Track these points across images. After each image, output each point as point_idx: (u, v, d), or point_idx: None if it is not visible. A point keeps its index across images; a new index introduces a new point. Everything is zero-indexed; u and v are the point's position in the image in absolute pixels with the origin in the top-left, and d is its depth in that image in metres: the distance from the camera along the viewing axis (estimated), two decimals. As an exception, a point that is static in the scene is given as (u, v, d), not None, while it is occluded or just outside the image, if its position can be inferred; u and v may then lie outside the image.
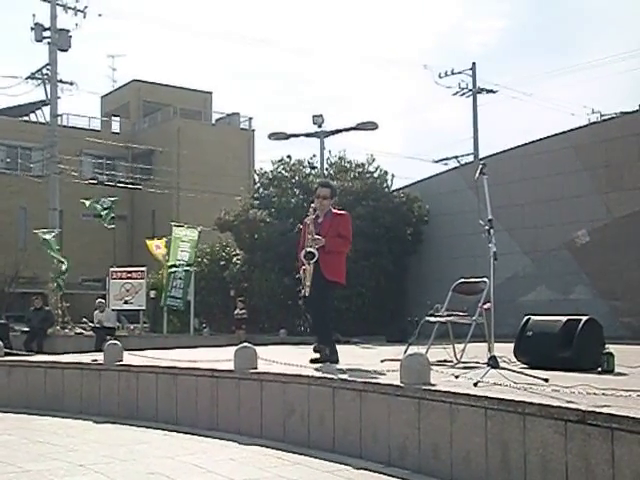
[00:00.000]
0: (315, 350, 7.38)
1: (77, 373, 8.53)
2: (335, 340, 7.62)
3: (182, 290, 22.37)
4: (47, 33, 30.46)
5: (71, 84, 31.43)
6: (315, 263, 7.21)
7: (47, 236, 23.86)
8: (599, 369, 6.47)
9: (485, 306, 6.72)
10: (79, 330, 22.81)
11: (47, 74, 30.69)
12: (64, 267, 23.49)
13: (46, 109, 31.90)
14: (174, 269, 22.53)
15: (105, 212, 24.98)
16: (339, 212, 7.70)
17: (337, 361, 7.22)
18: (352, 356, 8.48)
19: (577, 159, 17.01)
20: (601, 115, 34.19)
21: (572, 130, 17.79)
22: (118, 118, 46.47)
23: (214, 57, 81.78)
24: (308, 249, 7.22)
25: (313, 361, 7.17)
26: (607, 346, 6.64)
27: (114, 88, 47.68)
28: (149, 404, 7.59)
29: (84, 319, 23.36)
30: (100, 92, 48.29)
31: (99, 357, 8.55)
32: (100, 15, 40.96)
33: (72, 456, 5.69)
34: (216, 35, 78.11)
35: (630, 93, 67.70)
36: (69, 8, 30.97)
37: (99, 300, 21.41)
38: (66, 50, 30.91)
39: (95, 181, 37.37)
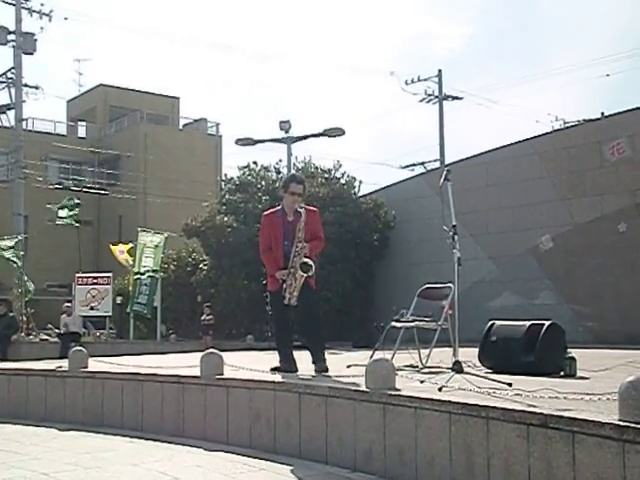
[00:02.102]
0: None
1: (41, 380, 8.44)
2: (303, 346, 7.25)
3: (147, 297, 22.22)
4: (12, 36, 30.16)
5: (36, 88, 31.19)
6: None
7: (6, 243, 23.53)
8: (561, 373, 6.57)
9: (449, 311, 6.79)
10: (44, 336, 22.57)
11: (12, 78, 30.38)
12: (25, 281, 23.27)
13: (11, 113, 31.54)
14: (140, 275, 22.38)
15: (71, 212, 24.98)
16: (310, 209, 7.01)
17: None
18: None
19: (541, 166, 17.20)
20: (564, 122, 34.63)
21: (536, 137, 17.97)
22: (84, 123, 46.11)
23: (181, 62, 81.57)
24: (305, 260, 6.64)
25: (274, 370, 6.91)
26: (569, 350, 6.74)
27: (80, 92, 47.33)
28: (115, 411, 7.54)
29: (49, 325, 23.12)
30: (66, 96, 47.95)
31: (64, 364, 8.47)
32: (66, 19, 40.80)
33: (35, 464, 5.64)
34: (184, 40, 77.90)
35: (592, 101, 68.74)
36: (34, 11, 30.72)
37: (67, 304, 21.20)
38: (31, 54, 30.65)
39: (61, 186, 37.02)
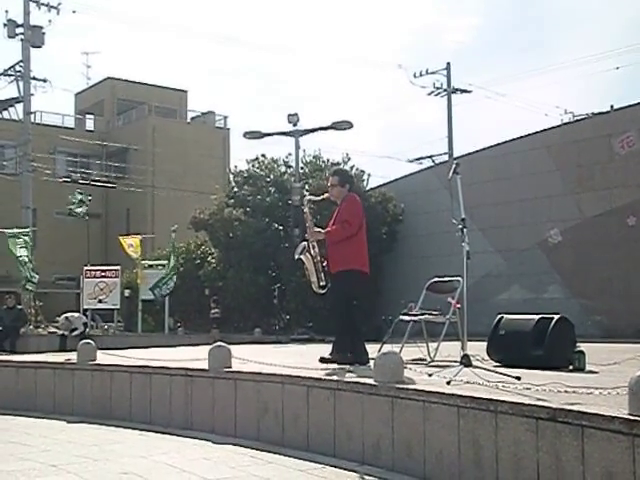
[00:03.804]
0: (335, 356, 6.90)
1: (50, 372, 8.48)
2: (357, 340, 6.98)
3: (165, 277, 22.40)
4: (20, 29, 30.12)
5: (44, 81, 31.15)
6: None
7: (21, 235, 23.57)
8: (570, 367, 6.55)
9: (457, 305, 6.77)
10: (52, 329, 22.60)
11: (20, 71, 30.36)
12: (28, 271, 23.26)
13: (19, 106, 31.53)
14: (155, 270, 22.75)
15: (81, 205, 25.35)
16: (349, 196, 7.41)
17: (367, 362, 6.65)
18: (327, 354, 8.46)
19: (550, 159, 17.15)
20: (574, 116, 34.45)
21: (545, 130, 17.92)
22: (92, 116, 46.09)
23: (189, 55, 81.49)
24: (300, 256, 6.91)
25: (322, 360, 6.81)
26: (578, 344, 6.72)
27: (88, 85, 47.28)
28: (123, 403, 7.56)
29: (57, 318, 23.12)
30: (74, 89, 47.87)
31: (72, 356, 8.50)
32: (74, 12, 40.65)
33: (44, 456, 5.66)
34: (191, 33, 77.86)
35: (602, 94, 68.41)
36: (42, 4, 30.66)
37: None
38: (39, 47, 30.62)
39: (69, 179, 37.06)
